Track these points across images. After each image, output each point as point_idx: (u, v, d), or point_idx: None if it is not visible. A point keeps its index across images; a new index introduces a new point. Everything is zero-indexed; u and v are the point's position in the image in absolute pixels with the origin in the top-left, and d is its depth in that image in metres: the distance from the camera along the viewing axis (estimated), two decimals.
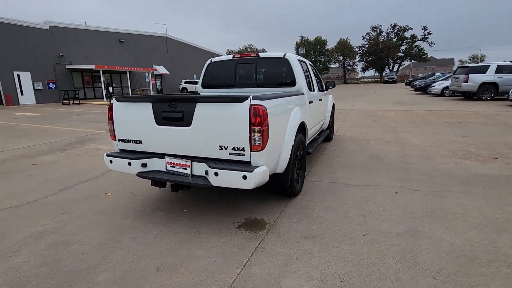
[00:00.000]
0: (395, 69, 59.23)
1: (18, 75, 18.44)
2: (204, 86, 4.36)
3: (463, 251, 2.23)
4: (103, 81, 21.98)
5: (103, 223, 2.84)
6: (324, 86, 5.36)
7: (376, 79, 68.36)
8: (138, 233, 2.63)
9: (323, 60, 60.01)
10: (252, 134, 2.29)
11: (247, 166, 2.35)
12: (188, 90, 30.09)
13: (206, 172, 2.43)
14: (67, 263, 2.21)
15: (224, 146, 2.42)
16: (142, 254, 2.30)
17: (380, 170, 4.21)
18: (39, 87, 19.50)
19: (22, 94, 18.71)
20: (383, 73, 56.98)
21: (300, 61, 4.08)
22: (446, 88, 16.50)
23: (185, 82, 31.23)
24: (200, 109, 2.46)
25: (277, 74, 3.88)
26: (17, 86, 18.39)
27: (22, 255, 2.32)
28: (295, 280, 1.96)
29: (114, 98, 2.91)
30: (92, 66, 20.43)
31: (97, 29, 23.56)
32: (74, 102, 19.19)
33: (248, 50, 67.52)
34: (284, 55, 3.80)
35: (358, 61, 61.02)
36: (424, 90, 19.64)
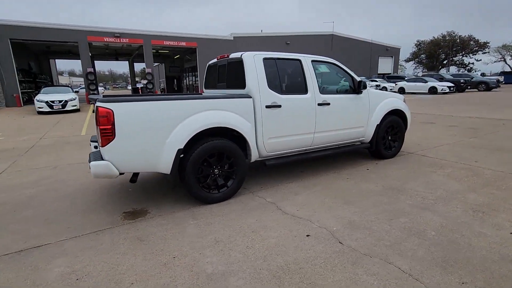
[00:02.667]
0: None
1: None
2: (205, 87, 4.82)
3: None
4: None
5: None
6: (355, 87, 4.36)
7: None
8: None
9: None
10: (97, 132, 2.70)
11: (100, 159, 2.80)
12: None
13: None
14: None
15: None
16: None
17: None
18: None
19: None
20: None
21: (271, 59, 3.68)
22: None
23: None
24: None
25: (235, 75, 3.75)
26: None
27: None
28: None
29: None
30: None
31: (269, 34, 27.48)
32: None
33: (447, 38, 55.22)
34: (242, 55, 3.62)
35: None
36: None
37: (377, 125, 4.71)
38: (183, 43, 23.21)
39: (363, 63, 34.22)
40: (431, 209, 3.05)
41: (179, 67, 32.74)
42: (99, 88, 26.17)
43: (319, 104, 4.02)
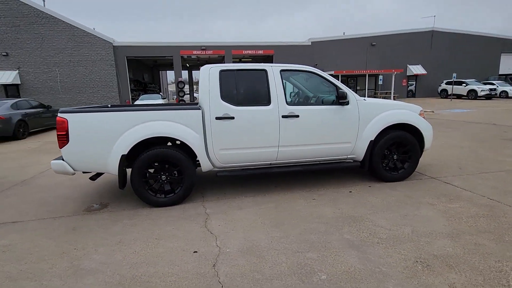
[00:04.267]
0: None
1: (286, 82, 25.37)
2: None
3: None
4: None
5: None
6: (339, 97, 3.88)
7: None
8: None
9: None
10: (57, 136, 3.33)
11: (60, 159, 3.44)
12: (449, 93, 24.59)
13: None
14: None
15: None
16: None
17: None
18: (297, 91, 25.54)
19: None
20: None
21: (229, 71, 3.69)
22: None
23: (446, 83, 25.66)
24: None
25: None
26: None
27: None
28: None
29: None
30: (332, 72, 23.18)
31: (351, 37, 25.85)
32: None
33: None
34: (201, 68, 3.75)
35: None
36: None
37: (371, 141, 4.02)
38: (261, 51, 24.29)
39: (476, 62, 28.19)
40: (360, 250, 2.50)
41: None
42: (187, 95, 30.20)
43: (283, 116, 3.75)
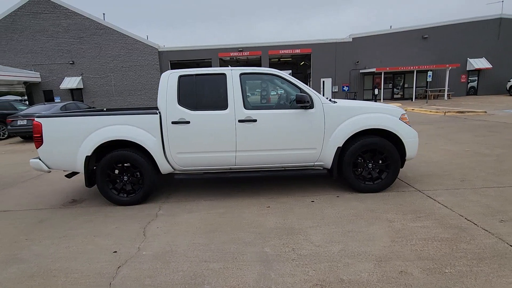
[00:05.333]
0: None
1: (323, 81, 24.48)
2: None
3: None
4: (376, 83, 22.39)
5: None
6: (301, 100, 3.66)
7: None
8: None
9: None
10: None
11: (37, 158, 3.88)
12: None
13: None
14: None
15: None
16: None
17: None
18: (335, 90, 24.47)
19: (323, 95, 24.71)
20: None
21: (189, 76, 3.76)
22: None
23: None
24: None
25: None
26: (321, 89, 24.56)
27: None
28: None
29: None
30: (373, 69, 21.62)
31: (397, 30, 23.78)
32: None
33: None
34: (165, 73, 3.87)
35: None
36: None
37: (339, 147, 3.71)
38: (298, 50, 23.83)
39: None
40: (267, 266, 2.34)
41: (302, 73, 33.59)
42: None
43: (240, 121, 3.68)
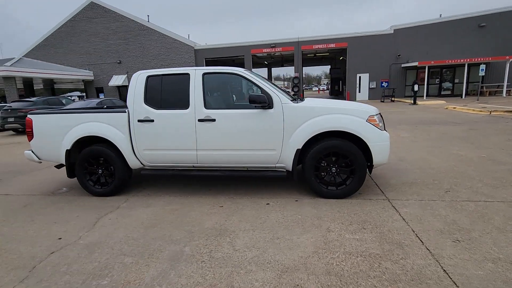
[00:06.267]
0: None
1: (360, 77, 23.15)
2: None
3: None
4: (425, 77, 20.33)
5: None
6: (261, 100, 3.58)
7: None
8: None
9: None
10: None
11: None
12: None
13: None
14: None
15: None
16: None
17: None
18: (373, 86, 22.99)
19: (359, 91, 23.40)
20: None
21: (156, 76, 3.91)
22: None
23: None
24: None
25: None
26: (357, 85, 23.28)
27: None
28: None
29: None
30: (415, 63, 19.78)
31: (447, 19, 21.38)
32: (392, 99, 20.57)
33: None
34: (135, 73, 4.07)
35: None
36: None
37: (298, 149, 3.54)
38: (333, 45, 22.84)
39: None
40: (173, 265, 2.37)
41: (340, 69, 32.15)
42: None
43: (200, 120, 3.72)
